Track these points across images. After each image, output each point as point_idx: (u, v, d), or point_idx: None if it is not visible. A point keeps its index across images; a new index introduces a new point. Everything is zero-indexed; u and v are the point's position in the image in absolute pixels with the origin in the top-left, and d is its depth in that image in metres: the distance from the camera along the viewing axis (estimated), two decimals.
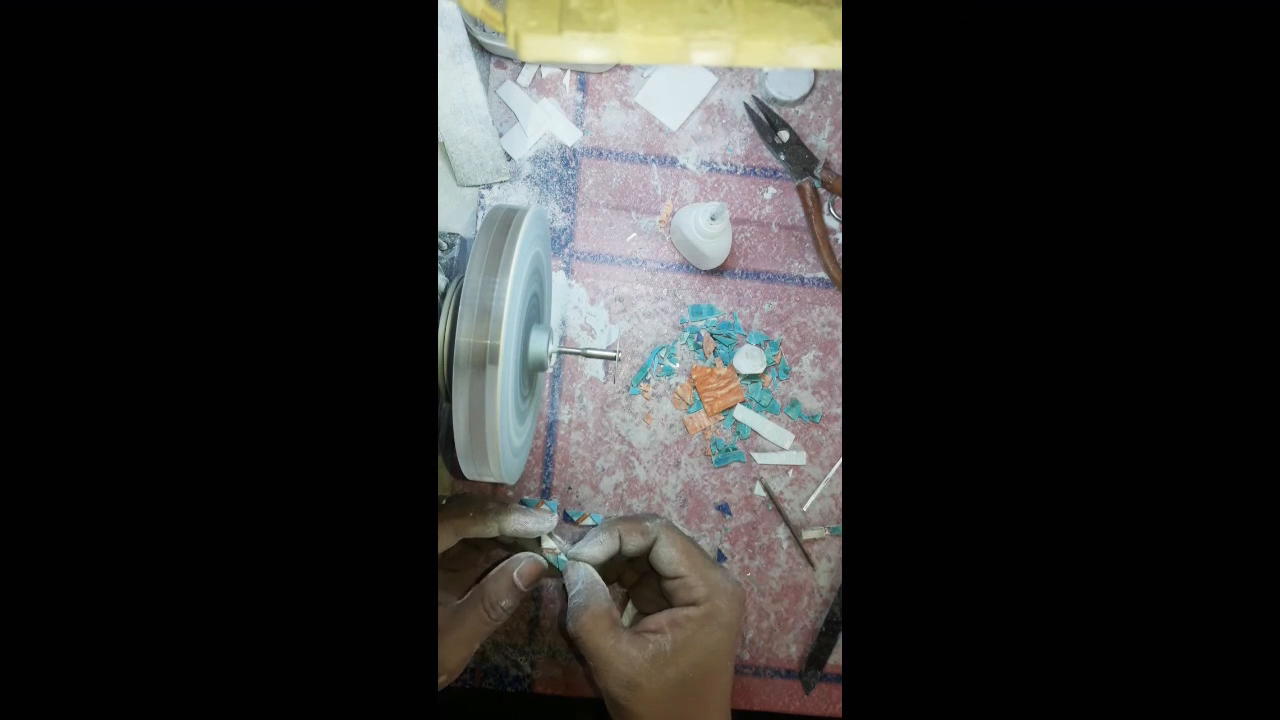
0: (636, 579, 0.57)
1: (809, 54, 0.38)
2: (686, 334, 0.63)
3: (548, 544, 0.55)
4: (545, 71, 0.66)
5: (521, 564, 0.52)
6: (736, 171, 0.66)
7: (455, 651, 0.51)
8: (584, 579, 0.52)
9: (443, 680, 0.52)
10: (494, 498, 0.61)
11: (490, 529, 0.53)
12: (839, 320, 0.64)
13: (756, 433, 0.62)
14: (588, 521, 0.61)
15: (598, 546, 0.53)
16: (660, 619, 0.51)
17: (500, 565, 0.53)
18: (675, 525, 0.54)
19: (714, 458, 0.62)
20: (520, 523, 0.54)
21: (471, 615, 0.51)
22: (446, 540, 0.53)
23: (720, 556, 0.61)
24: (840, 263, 0.64)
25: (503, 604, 0.52)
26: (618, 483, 0.62)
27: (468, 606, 0.52)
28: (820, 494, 0.62)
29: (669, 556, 0.52)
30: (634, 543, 0.53)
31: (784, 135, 0.65)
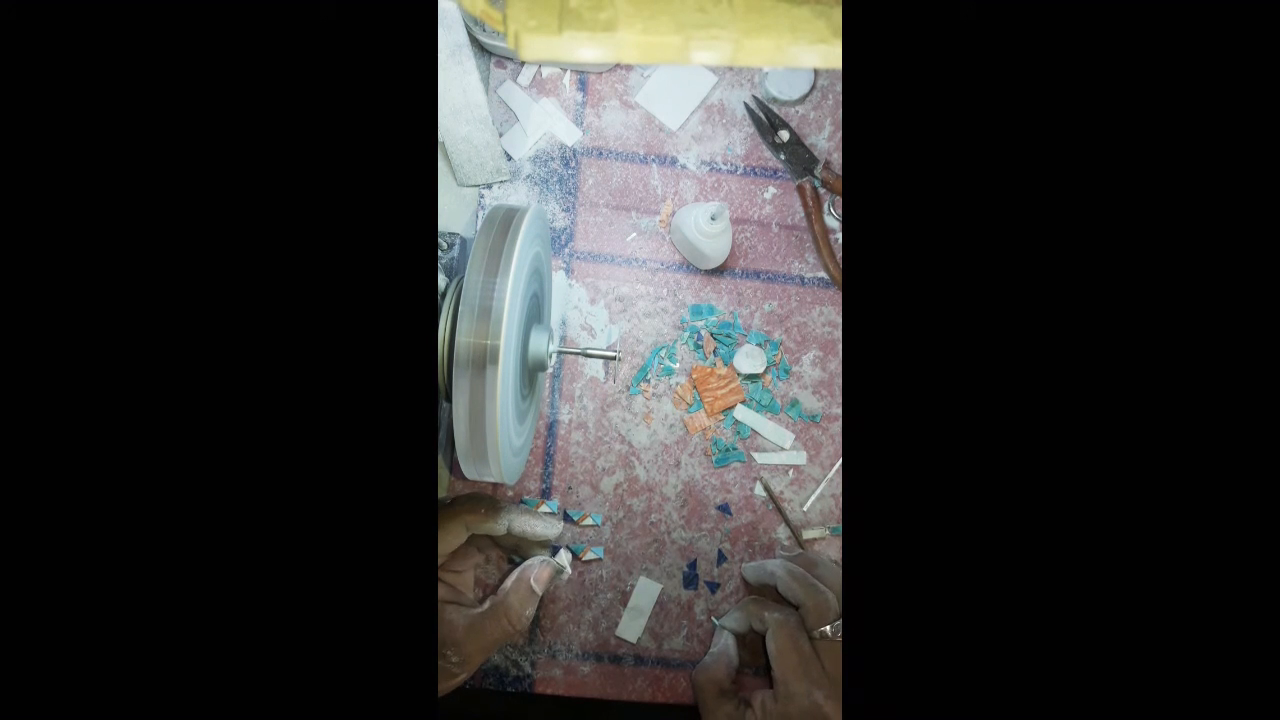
0: None
1: (809, 53, 0.38)
2: (686, 334, 0.63)
3: (562, 558, 0.58)
4: (545, 71, 0.66)
5: (535, 569, 0.55)
6: (736, 171, 0.66)
7: (474, 660, 0.54)
8: (721, 645, 0.58)
9: (462, 678, 0.54)
10: (503, 498, 0.61)
11: (500, 526, 0.55)
12: (839, 320, 0.64)
13: (757, 432, 0.62)
14: (588, 521, 0.61)
15: (734, 622, 0.58)
16: (756, 699, 0.55)
17: (515, 576, 0.55)
18: (796, 628, 0.55)
19: (714, 458, 0.62)
20: (530, 524, 0.55)
21: (494, 629, 0.54)
22: (458, 536, 0.54)
23: (721, 557, 0.61)
24: (840, 263, 0.64)
25: (526, 614, 0.54)
26: (618, 483, 0.62)
27: (490, 619, 0.54)
28: (820, 494, 0.62)
29: (769, 651, 0.55)
30: (757, 626, 0.57)
31: (784, 135, 0.65)
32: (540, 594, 0.55)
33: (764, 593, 0.59)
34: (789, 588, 0.56)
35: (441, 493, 0.61)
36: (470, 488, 0.61)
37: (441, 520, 0.54)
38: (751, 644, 0.59)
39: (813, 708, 0.53)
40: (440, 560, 0.54)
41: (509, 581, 0.55)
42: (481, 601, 0.55)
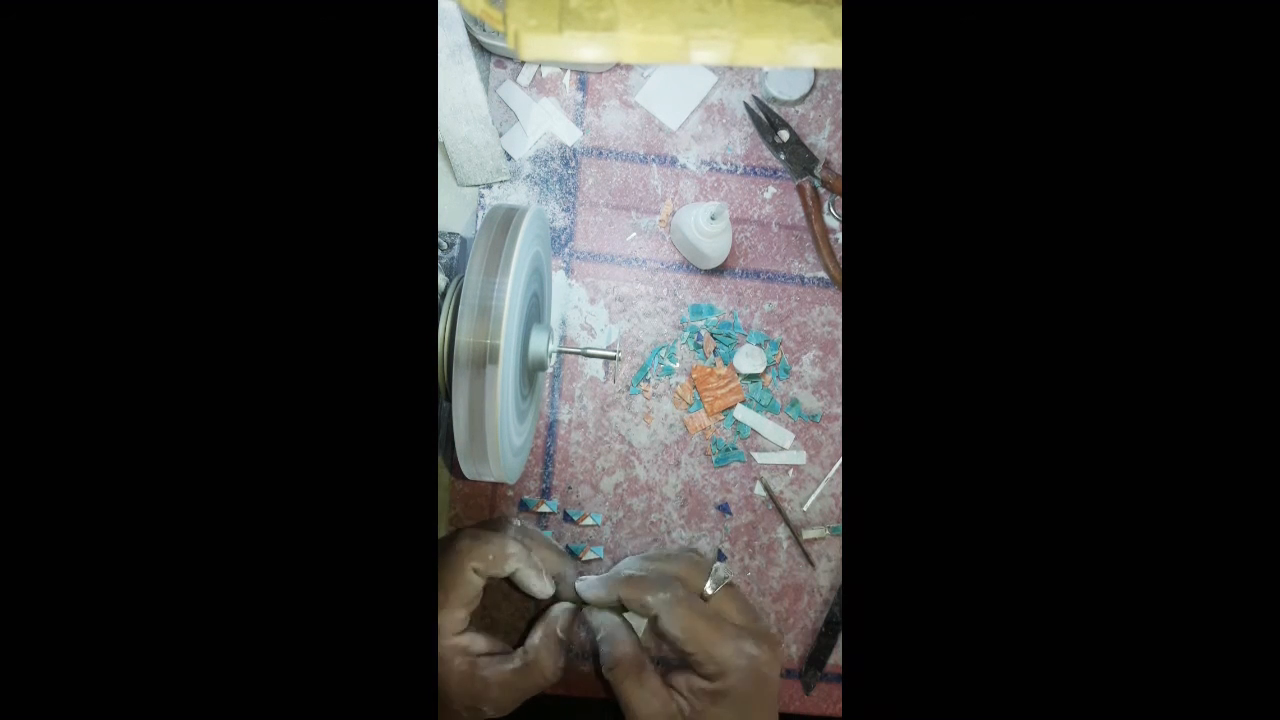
0: None
1: (809, 53, 0.38)
2: (686, 333, 0.63)
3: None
4: (545, 71, 0.66)
5: (560, 620, 0.54)
6: (736, 171, 0.66)
7: (508, 709, 0.53)
8: (606, 624, 0.53)
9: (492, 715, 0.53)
10: (502, 496, 0.61)
11: (506, 569, 0.53)
12: (839, 320, 0.64)
13: (756, 432, 0.62)
14: (588, 521, 0.61)
15: (599, 590, 0.54)
16: (680, 681, 0.52)
17: (541, 632, 0.54)
18: (687, 598, 0.52)
19: (714, 457, 0.62)
20: (530, 580, 0.54)
21: (528, 684, 0.52)
22: (472, 585, 0.52)
23: (720, 556, 0.61)
24: (840, 262, 0.64)
25: (559, 665, 0.53)
26: (618, 482, 0.62)
27: (524, 676, 0.52)
28: (820, 494, 0.62)
29: (674, 635, 0.51)
30: (640, 612, 0.53)
31: (784, 135, 0.65)
32: (565, 639, 0.54)
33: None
34: (650, 568, 0.53)
35: (441, 493, 0.61)
36: (470, 487, 0.61)
37: (448, 567, 0.52)
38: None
39: (751, 663, 0.50)
40: (461, 611, 0.52)
41: (536, 637, 0.54)
42: (510, 652, 0.54)
